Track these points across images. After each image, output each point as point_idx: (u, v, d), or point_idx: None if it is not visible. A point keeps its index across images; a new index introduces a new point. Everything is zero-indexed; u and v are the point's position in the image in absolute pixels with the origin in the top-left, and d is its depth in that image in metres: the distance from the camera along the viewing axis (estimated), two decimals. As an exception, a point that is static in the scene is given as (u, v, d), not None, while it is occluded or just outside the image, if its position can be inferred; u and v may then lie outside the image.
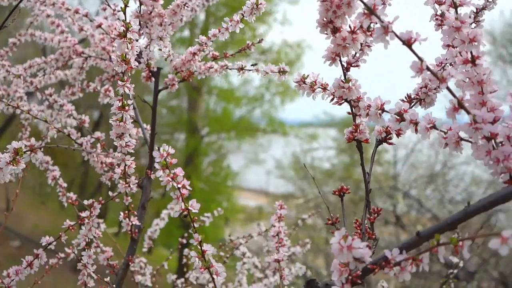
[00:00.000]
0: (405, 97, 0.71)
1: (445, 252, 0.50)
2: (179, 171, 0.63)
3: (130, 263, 1.01)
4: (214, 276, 0.65)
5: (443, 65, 0.70)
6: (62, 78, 1.35)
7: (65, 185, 1.13)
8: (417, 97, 0.70)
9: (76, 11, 1.11)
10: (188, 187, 0.63)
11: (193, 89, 11.45)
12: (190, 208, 0.64)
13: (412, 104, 0.70)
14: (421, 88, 0.70)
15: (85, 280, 0.95)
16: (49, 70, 1.20)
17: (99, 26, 1.07)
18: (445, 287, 1.08)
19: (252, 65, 0.99)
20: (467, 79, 0.55)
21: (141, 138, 1.11)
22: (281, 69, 0.85)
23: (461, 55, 0.56)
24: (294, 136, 11.49)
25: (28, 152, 0.65)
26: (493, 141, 0.54)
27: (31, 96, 1.51)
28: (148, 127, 1.13)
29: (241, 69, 0.97)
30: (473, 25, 0.73)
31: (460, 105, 0.52)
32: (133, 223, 0.99)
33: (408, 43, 0.52)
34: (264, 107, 12.12)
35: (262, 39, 1.01)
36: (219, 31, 0.92)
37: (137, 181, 0.92)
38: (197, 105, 11.61)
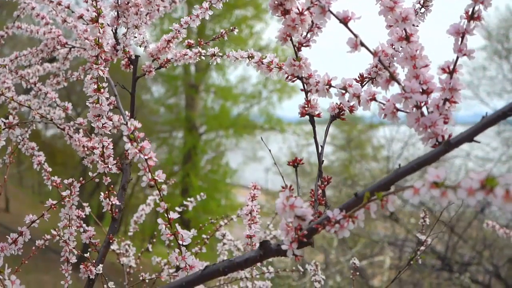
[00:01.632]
0: (358, 76, 0.76)
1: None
2: (146, 144, 0.69)
3: (111, 241, 1.06)
4: (180, 242, 0.71)
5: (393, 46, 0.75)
6: (50, 70, 1.41)
7: (50, 169, 1.18)
8: (369, 76, 0.75)
9: (59, 3, 1.16)
10: (155, 159, 0.69)
11: (191, 87, 11.51)
12: (156, 178, 0.69)
13: (365, 82, 0.76)
14: (372, 67, 0.75)
15: (67, 257, 1.01)
16: (34, 60, 1.25)
17: (81, 17, 1.13)
18: (413, 263, 1.13)
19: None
20: (402, 54, 0.60)
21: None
22: (250, 55, 0.90)
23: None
24: (291, 133, 11.55)
25: (6, 129, 0.71)
26: (425, 109, 0.59)
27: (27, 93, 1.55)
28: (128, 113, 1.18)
29: (213, 55, 1.02)
30: (423, 9, 0.79)
31: (392, 77, 0.57)
32: (113, 202, 1.04)
33: (344, 21, 0.57)
34: (262, 104, 12.18)
35: (235, 28, 1.06)
36: (190, 18, 0.97)
37: (115, 162, 0.98)
38: (195, 103, 11.65)
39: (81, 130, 1.12)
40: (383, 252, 6.56)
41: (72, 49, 1.26)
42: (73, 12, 1.16)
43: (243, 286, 1.29)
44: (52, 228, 1.04)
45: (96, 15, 0.75)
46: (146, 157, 0.69)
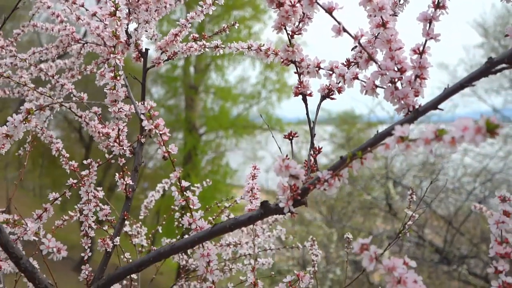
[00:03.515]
0: (345, 61, 0.86)
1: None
2: (161, 121, 0.79)
3: (125, 218, 1.16)
4: (192, 206, 0.81)
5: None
6: (62, 66, 1.51)
7: (67, 155, 1.28)
8: (355, 60, 0.86)
9: (74, 2, 1.27)
10: (168, 134, 0.79)
11: (190, 88, 11.62)
12: (170, 150, 0.80)
13: (351, 66, 0.86)
14: (356, 53, 0.85)
15: (86, 231, 1.11)
16: (50, 55, 1.35)
17: (94, 14, 1.23)
18: (401, 236, 1.23)
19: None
20: (379, 39, 0.71)
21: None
22: (249, 45, 1.00)
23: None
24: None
25: (38, 111, 0.81)
26: (399, 85, 0.70)
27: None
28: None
29: (216, 47, 1.13)
30: (402, 1, 0.89)
31: (370, 57, 0.68)
32: (127, 182, 1.14)
33: (329, 10, 0.67)
34: (261, 104, 12.29)
35: (235, 22, 1.17)
36: (196, 14, 1.08)
37: (129, 145, 1.08)
38: (194, 104, 11.75)
39: (95, 118, 1.23)
40: (382, 245, 6.66)
41: (85, 44, 1.37)
42: (87, 10, 1.27)
43: (246, 263, 1.39)
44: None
45: (114, 9, 0.86)
46: (161, 132, 0.79)
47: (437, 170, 7.19)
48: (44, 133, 1.34)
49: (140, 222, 1.49)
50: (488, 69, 0.61)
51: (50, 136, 1.32)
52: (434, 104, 0.64)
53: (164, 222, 1.56)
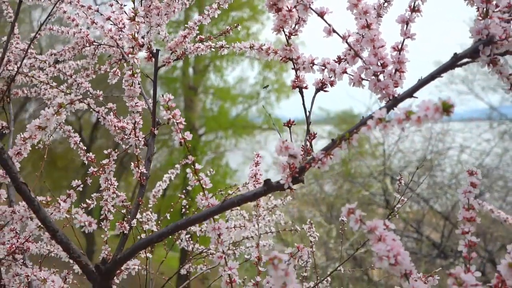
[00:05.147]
0: (337, 58, 0.98)
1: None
2: (177, 112, 0.91)
3: (140, 203, 1.28)
4: (204, 186, 0.93)
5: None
6: (75, 67, 1.63)
7: (84, 147, 1.40)
8: (345, 57, 0.97)
9: (89, 7, 1.39)
10: (184, 122, 0.91)
11: (190, 89, 11.73)
12: (185, 137, 0.92)
13: (342, 62, 0.98)
14: (346, 50, 0.97)
15: (106, 214, 1.23)
16: (67, 56, 1.47)
17: (108, 18, 1.35)
18: (391, 217, 1.35)
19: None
20: (363, 38, 0.82)
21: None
22: (252, 45, 1.12)
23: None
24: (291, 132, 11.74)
25: (69, 105, 0.93)
26: (381, 77, 0.81)
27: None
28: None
29: (221, 47, 1.25)
30: (386, 4, 1.01)
31: (356, 54, 0.80)
32: (142, 171, 1.26)
33: (321, 14, 0.79)
34: (260, 104, 12.40)
35: (238, 25, 1.29)
36: (202, 17, 1.20)
37: (144, 136, 1.20)
38: (193, 105, 11.87)
39: (111, 113, 1.34)
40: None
41: (99, 46, 1.49)
42: (101, 14, 1.39)
43: (249, 245, 1.51)
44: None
45: (134, 15, 0.97)
46: (177, 121, 0.91)
47: (434, 166, 7.32)
48: (62, 128, 1.46)
49: (150, 210, 1.61)
50: (453, 63, 0.73)
51: (68, 130, 1.44)
52: (409, 93, 0.75)
53: (171, 210, 1.68)
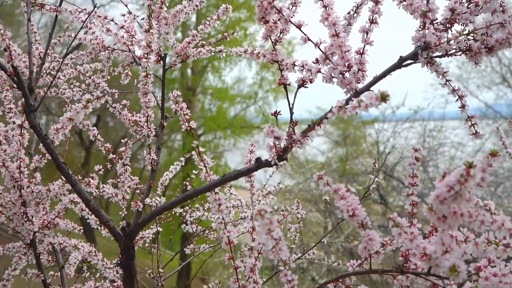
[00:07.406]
0: (315, 59, 1.20)
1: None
2: (184, 104, 1.13)
3: (151, 185, 1.50)
4: (206, 165, 1.15)
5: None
6: (88, 70, 1.84)
7: (102, 139, 1.62)
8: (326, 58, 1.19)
9: (105, 17, 1.60)
10: (189, 113, 1.12)
11: (188, 90, 11.94)
12: (191, 125, 1.13)
13: (318, 63, 1.19)
14: (320, 54, 1.19)
15: (123, 194, 1.44)
16: (85, 60, 1.68)
17: (122, 27, 1.56)
18: (366, 195, 1.56)
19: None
20: (333, 45, 1.04)
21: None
22: (245, 50, 1.34)
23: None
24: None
25: (96, 100, 1.14)
26: (347, 75, 1.03)
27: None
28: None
29: (220, 51, 1.46)
30: (355, 14, 1.23)
31: (326, 57, 1.02)
32: (153, 158, 1.48)
33: (299, 26, 1.01)
34: (258, 104, 12.59)
35: (234, 31, 1.50)
36: (205, 26, 1.41)
37: (155, 127, 1.42)
38: (192, 105, 12.06)
39: (125, 108, 1.56)
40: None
41: (113, 51, 1.70)
42: (116, 23, 1.60)
43: (246, 226, 1.72)
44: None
45: (149, 27, 1.19)
46: (184, 112, 1.13)
47: (426, 162, 7.55)
48: (82, 122, 1.67)
49: (159, 195, 1.83)
50: (400, 63, 0.95)
51: (87, 124, 1.66)
52: (366, 87, 0.97)
53: (178, 194, 1.90)
